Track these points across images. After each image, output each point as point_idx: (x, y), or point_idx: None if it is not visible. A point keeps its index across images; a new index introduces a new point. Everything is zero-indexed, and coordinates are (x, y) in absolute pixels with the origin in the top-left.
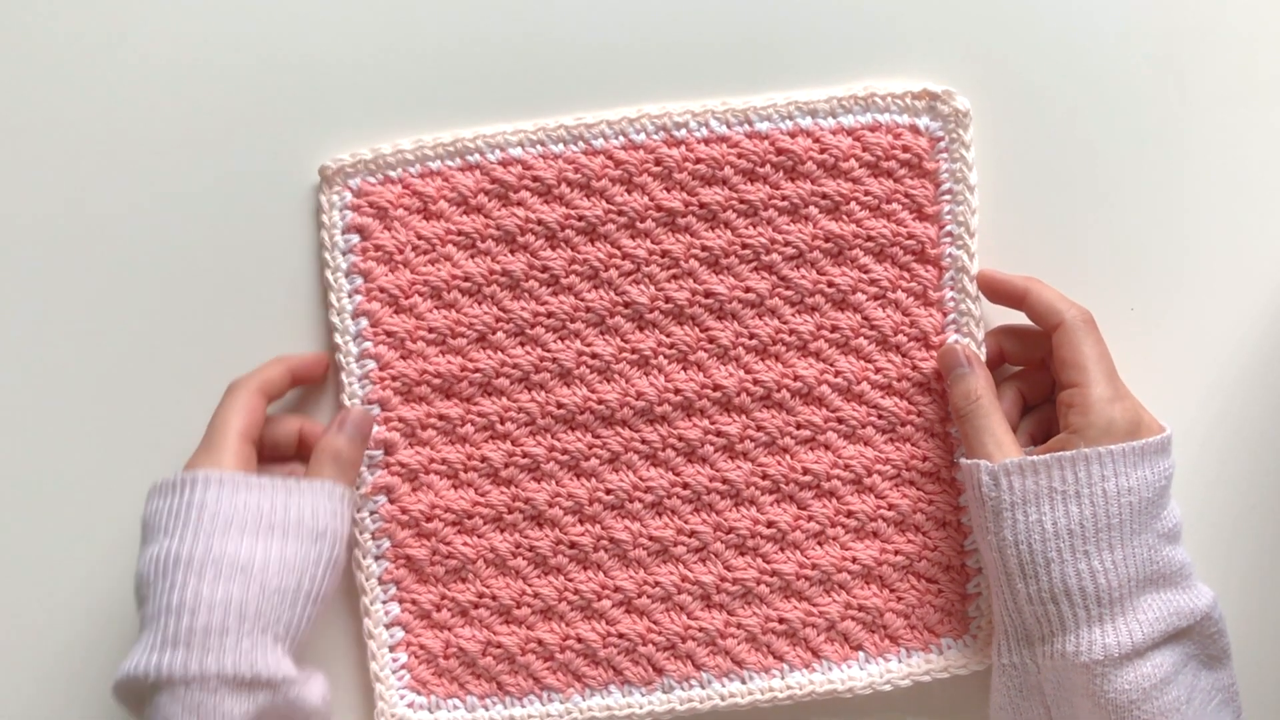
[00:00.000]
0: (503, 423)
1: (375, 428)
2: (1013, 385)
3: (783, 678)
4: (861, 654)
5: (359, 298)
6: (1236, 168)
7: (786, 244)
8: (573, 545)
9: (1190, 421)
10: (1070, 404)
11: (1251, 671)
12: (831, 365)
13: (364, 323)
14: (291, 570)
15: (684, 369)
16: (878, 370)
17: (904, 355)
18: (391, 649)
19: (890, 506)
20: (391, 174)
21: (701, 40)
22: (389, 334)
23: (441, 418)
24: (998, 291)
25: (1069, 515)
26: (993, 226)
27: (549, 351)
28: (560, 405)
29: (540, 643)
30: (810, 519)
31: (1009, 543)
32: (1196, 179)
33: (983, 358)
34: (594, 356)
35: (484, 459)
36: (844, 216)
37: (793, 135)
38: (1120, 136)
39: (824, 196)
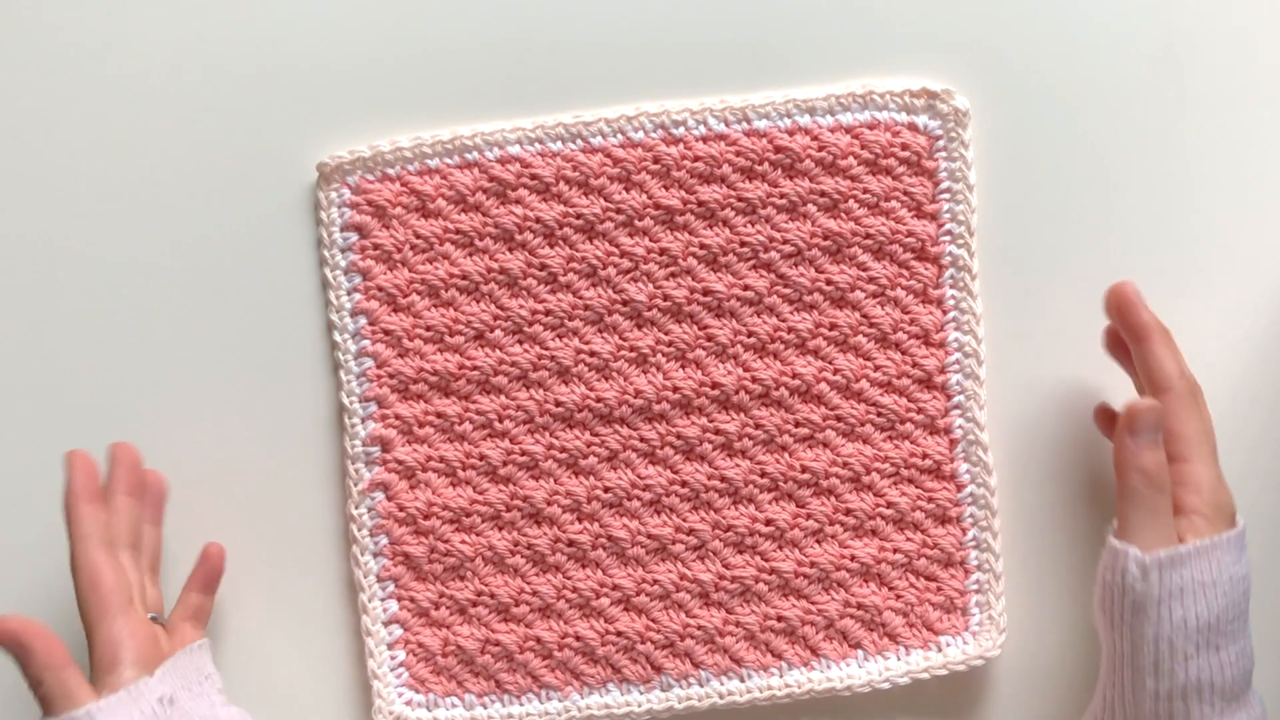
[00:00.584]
0: (501, 420)
1: (371, 425)
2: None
3: (781, 676)
4: (860, 652)
5: (357, 296)
6: (1236, 167)
7: (785, 242)
8: (571, 543)
9: None
10: (1183, 482)
11: (1254, 670)
12: (830, 363)
13: (362, 321)
14: None
15: (682, 367)
16: (877, 368)
17: (903, 353)
18: (389, 647)
19: (889, 504)
20: (390, 171)
21: (700, 38)
22: (387, 332)
23: (439, 415)
24: (1121, 313)
25: (1209, 608)
26: (992, 224)
27: (547, 349)
28: (559, 403)
29: (539, 641)
30: (809, 517)
31: (1148, 639)
32: (1196, 177)
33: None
34: (592, 354)
35: (482, 457)
36: (843, 214)
37: (791, 133)
38: (1120, 135)
39: (823, 194)
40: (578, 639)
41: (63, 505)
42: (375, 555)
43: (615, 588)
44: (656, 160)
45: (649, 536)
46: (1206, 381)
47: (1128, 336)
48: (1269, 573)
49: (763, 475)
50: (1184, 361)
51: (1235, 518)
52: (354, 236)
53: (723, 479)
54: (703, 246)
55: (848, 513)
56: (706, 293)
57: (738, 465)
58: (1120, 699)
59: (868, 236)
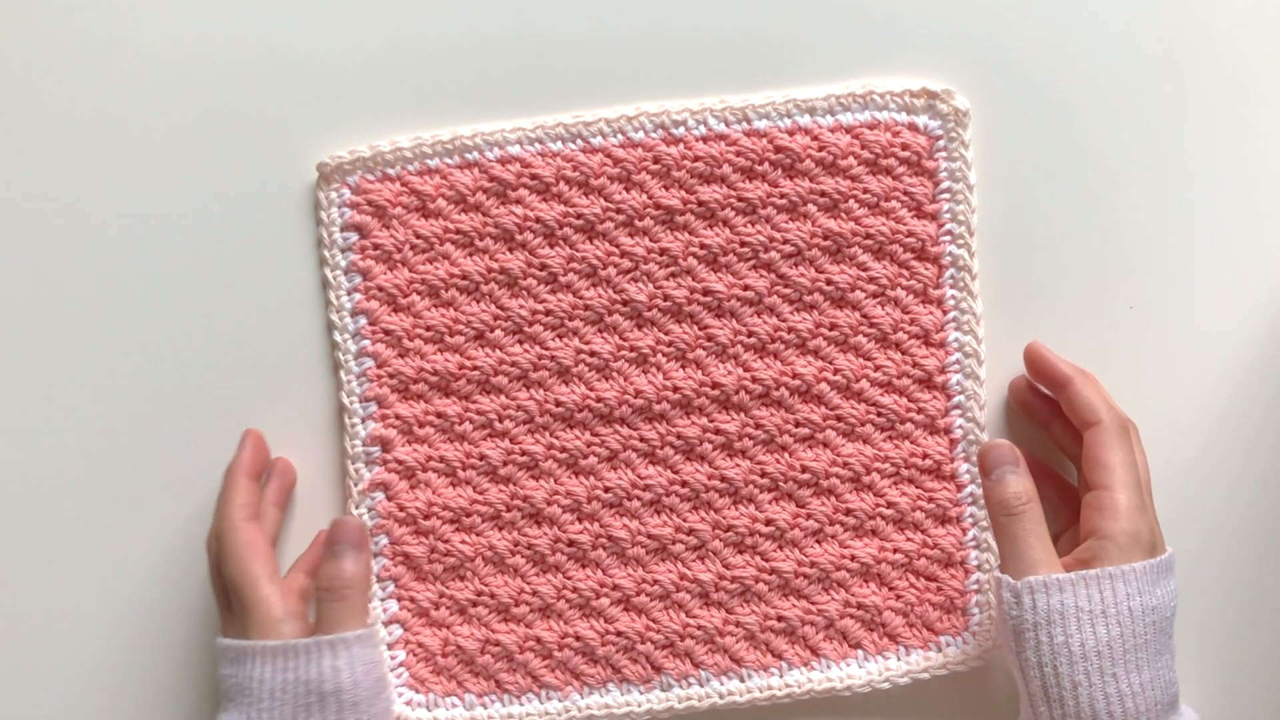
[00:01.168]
0: (501, 420)
1: (371, 425)
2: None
3: (781, 676)
4: (860, 652)
5: (357, 296)
6: (1236, 167)
7: (785, 242)
8: (571, 543)
9: (1190, 421)
10: (1098, 507)
11: (1253, 672)
12: (830, 363)
13: (362, 321)
14: None
15: (683, 367)
16: (877, 368)
17: (903, 353)
18: (389, 646)
19: (889, 504)
20: (390, 171)
21: (700, 38)
22: (387, 332)
23: (440, 415)
24: (1042, 372)
25: (1097, 636)
26: (992, 224)
27: (547, 349)
28: (559, 403)
29: (539, 641)
30: (809, 517)
31: (1032, 664)
32: (1196, 177)
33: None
34: (592, 354)
35: (482, 457)
36: (843, 214)
37: (791, 133)
38: (1120, 135)
39: (823, 194)
40: (578, 639)
41: (225, 475)
42: (375, 555)
43: (615, 588)
44: (656, 160)
45: (649, 536)
46: (1207, 381)
47: (1053, 389)
48: (1269, 573)
49: (763, 475)
50: (1110, 400)
51: (1155, 550)
52: (354, 236)
53: (723, 479)
54: (703, 246)
55: (848, 513)
56: (706, 293)
57: (738, 465)
58: None
59: (868, 236)
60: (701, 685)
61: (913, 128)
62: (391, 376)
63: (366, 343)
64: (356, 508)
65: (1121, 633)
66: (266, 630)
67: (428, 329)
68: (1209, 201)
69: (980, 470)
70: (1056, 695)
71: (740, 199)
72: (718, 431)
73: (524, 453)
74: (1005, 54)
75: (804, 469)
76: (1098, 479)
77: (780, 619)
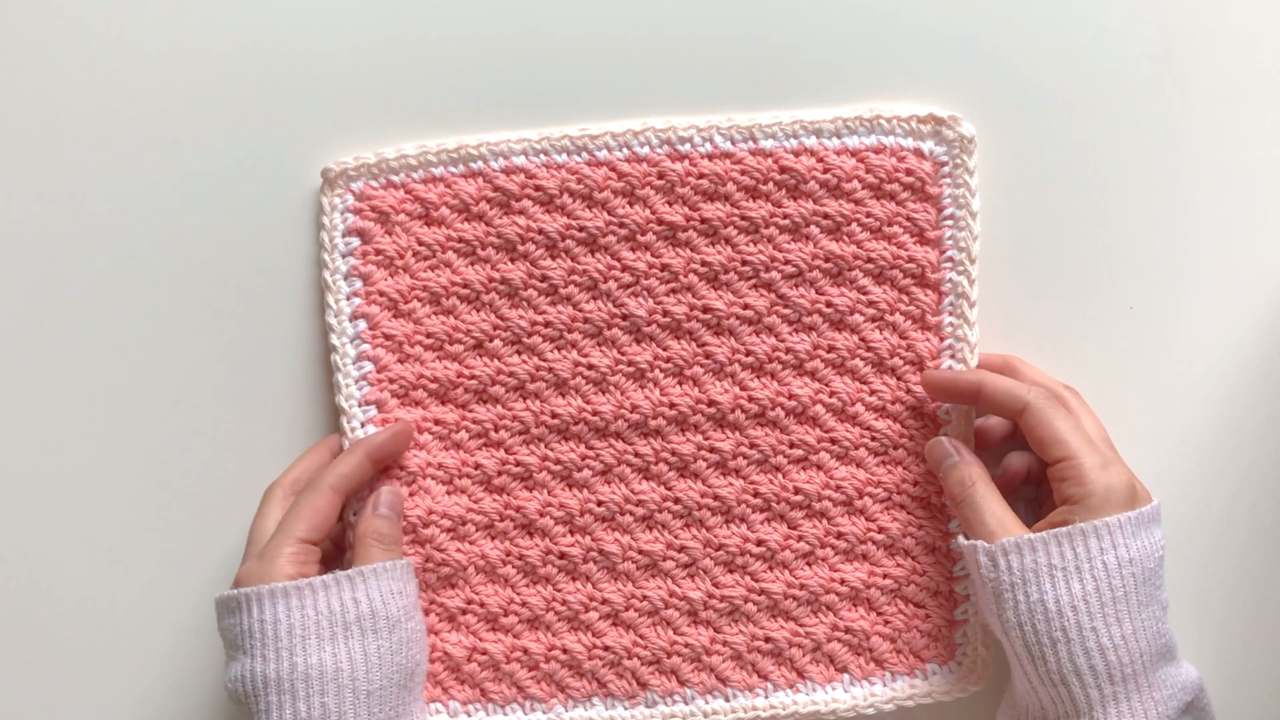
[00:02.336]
0: (497, 430)
1: (371, 429)
2: (1023, 455)
3: (766, 697)
4: (846, 676)
5: (358, 300)
6: (1241, 190)
7: (786, 262)
8: (562, 556)
9: (1190, 421)
10: (1063, 478)
11: (1255, 672)
12: (827, 385)
13: (362, 325)
14: (380, 666)
15: (679, 383)
16: (872, 392)
17: (899, 378)
18: None
19: (880, 529)
20: (394, 178)
21: (708, 56)
22: (387, 337)
23: (437, 422)
24: (948, 393)
25: (1071, 592)
26: (993, 252)
27: (545, 361)
28: (555, 415)
29: (526, 652)
30: (800, 539)
31: (1012, 624)
32: (1204, 206)
33: (972, 441)
34: (590, 368)
35: (477, 466)
36: (845, 237)
37: (797, 154)
38: (1126, 166)
39: (825, 216)
40: (565, 651)
41: (353, 444)
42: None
43: (604, 602)
44: (661, 176)
45: (640, 552)
46: (1207, 381)
47: (968, 402)
48: (1271, 573)
49: (755, 495)
50: (1034, 375)
51: (1134, 502)
52: (356, 241)
53: (715, 497)
54: (704, 264)
55: (839, 536)
56: (706, 310)
57: (731, 484)
58: (1024, 689)
59: (869, 261)
60: (686, 703)
61: (918, 153)
62: (391, 381)
63: (366, 347)
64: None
65: (1098, 587)
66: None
67: (428, 336)
68: (1208, 203)
69: (932, 469)
70: (1038, 653)
71: (743, 218)
72: (712, 449)
73: (519, 464)
74: (1011, 80)
75: (797, 490)
76: (1053, 454)
77: (768, 640)
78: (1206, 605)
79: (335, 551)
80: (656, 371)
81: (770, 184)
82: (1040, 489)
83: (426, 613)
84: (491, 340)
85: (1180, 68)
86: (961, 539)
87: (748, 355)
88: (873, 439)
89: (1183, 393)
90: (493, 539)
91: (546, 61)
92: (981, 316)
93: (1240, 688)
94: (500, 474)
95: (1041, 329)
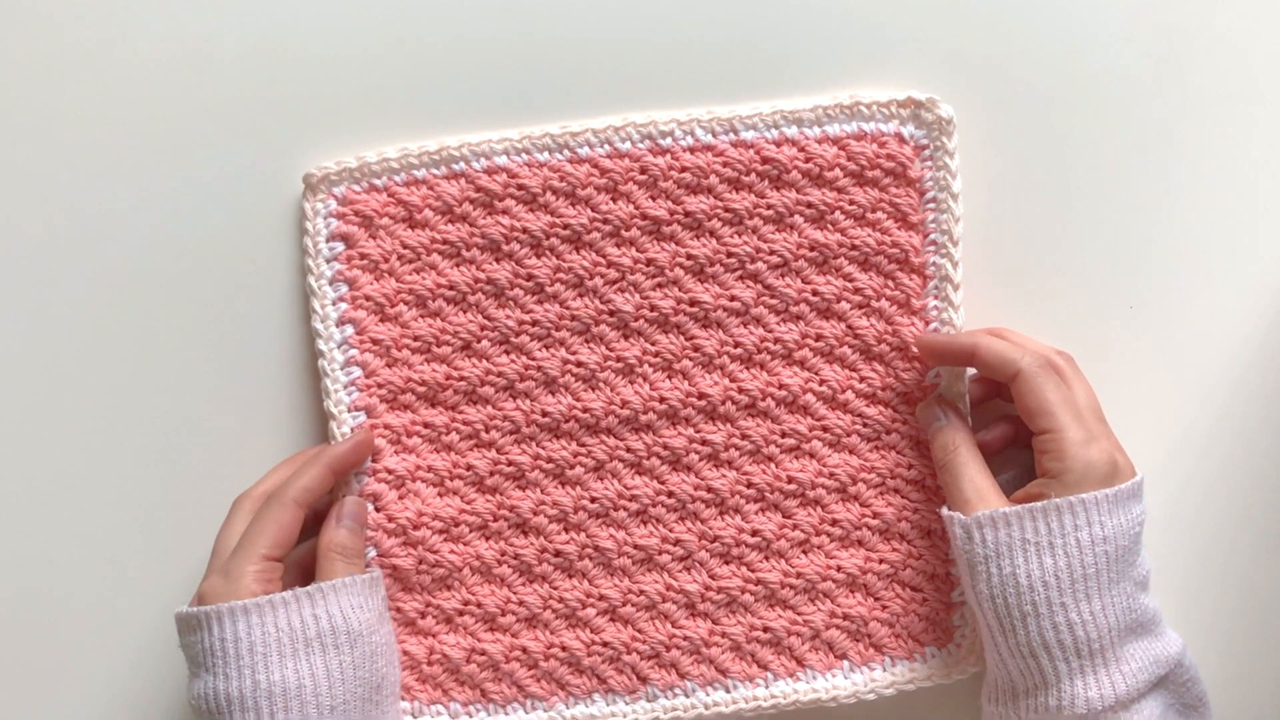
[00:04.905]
0: (488, 431)
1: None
2: (1005, 424)
3: (767, 687)
4: (846, 663)
5: (344, 305)
6: (1235, 167)
7: (771, 253)
8: (558, 553)
9: (1190, 421)
10: (1044, 450)
11: (1254, 672)
12: (816, 374)
13: (349, 330)
14: (343, 681)
15: (669, 377)
16: (862, 379)
17: (887, 364)
18: None
19: (875, 515)
20: (376, 182)
21: (687, 49)
22: (374, 342)
23: (427, 425)
24: (943, 355)
25: (1043, 567)
26: (976, 234)
27: (534, 360)
28: (545, 414)
29: (524, 650)
30: (795, 527)
31: (985, 596)
32: (1185, 184)
33: (967, 401)
34: (579, 365)
35: (469, 467)
36: (829, 225)
37: (778, 144)
38: (1106, 142)
39: (809, 205)
40: (564, 649)
41: (317, 454)
42: (365, 566)
43: (601, 598)
44: (644, 171)
45: (635, 547)
46: (1207, 381)
47: (961, 362)
48: (1270, 572)
49: (749, 486)
50: (1026, 343)
51: (1114, 477)
52: (340, 246)
53: (709, 489)
54: (690, 257)
55: (834, 523)
56: (693, 303)
57: (724, 476)
58: (992, 660)
59: (854, 248)
60: (687, 696)
61: (898, 137)
62: (380, 386)
63: (354, 352)
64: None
65: (1069, 563)
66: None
67: (415, 339)
68: (1199, 205)
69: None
70: (1009, 625)
71: (727, 210)
72: (704, 442)
73: (511, 463)
74: (990, 63)
75: (790, 479)
76: (1039, 425)
77: (766, 629)
78: (1206, 603)
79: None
80: (646, 366)
81: (753, 175)
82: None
83: (423, 615)
84: (479, 341)
85: (1167, 50)
86: (944, 509)
87: (736, 347)
88: (864, 425)
89: (1182, 392)
90: (487, 539)
91: (526, 60)
92: (975, 308)
93: (1240, 684)
94: (492, 474)
95: (1041, 329)
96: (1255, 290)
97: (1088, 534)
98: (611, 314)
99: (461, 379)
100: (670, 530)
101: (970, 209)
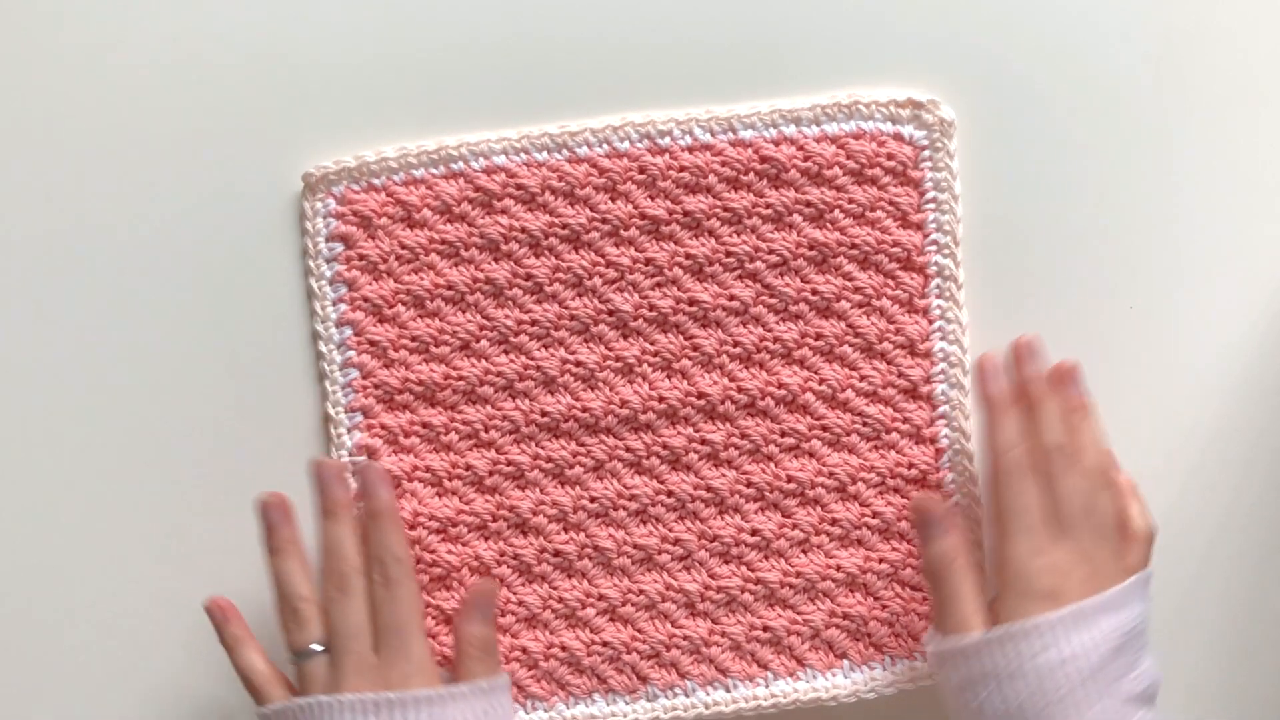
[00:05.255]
0: (487, 431)
1: (357, 435)
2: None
3: (767, 686)
4: (846, 662)
5: (343, 306)
6: (1227, 171)
7: (770, 252)
8: (557, 553)
9: (1191, 421)
10: (994, 559)
11: (1255, 672)
12: (816, 373)
13: (348, 331)
14: None
15: (668, 377)
16: (862, 378)
17: (889, 363)
18: None
19: (875, 514)
20: (375, 181)
21: (685, 49)
22: (372, 343)
23: (425, 425)
24: (978, 384)
25: (1006, 699)
26: (980, 234)
27: (533, 359)
28: (544, 413)
29: (524, 651)
30: (794, 527)
31: None
32: (1184, 183)
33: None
34: (578, 364)
35: (468, 467)
36: (828, 224)
37: (777, 143)
38: (1106, 141)
39: (808, 204)
40: (563, 649)
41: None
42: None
43: (601, 598)
44: (642, 170)
45: (635, 547)
46: (1207, 381)
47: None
48: (1272, 573)
49: (749, 485)
50: (1035, 426)
51: (1057, 596)
52: (339, 247)
53: (709, 489)
54: (688, 256)
55: (833, 522)
56: (692, 303)
57: (724, 475)
58: None
59: (853, 246)
60: (687, 695)
61: (898, 138)
62: (377, 387)
63: (352, 353)
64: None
65: (1030, 692)
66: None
67: (413, 339)
68: (1199, 205)
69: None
70: None
71: (726, 209)
72: (703, 441)
73: (510, 463)
74: (990, 63)
75: (790, 479)
76: (995, 529)
77: (766, 629)
78: (1205, 606)
79: None
80: (645, 366)
81: (751, 174)
82: None
83: (422, 616)
84: (478, 341)
85: (1166, 58)
86: (928, 634)
87: (735, 346)
88: (864, 424)
89: (1182, 392)
90: (486, 539)
91: (524, 60)
92: (975, 308)
93: (1240, 684)
94: (491, 474)
95: (1041, 330)
96: (1255, 290)
97: (1047, 658)
98: (610, 313)
99: (460, 379)
100: (670, 530)
101: (969, 208)
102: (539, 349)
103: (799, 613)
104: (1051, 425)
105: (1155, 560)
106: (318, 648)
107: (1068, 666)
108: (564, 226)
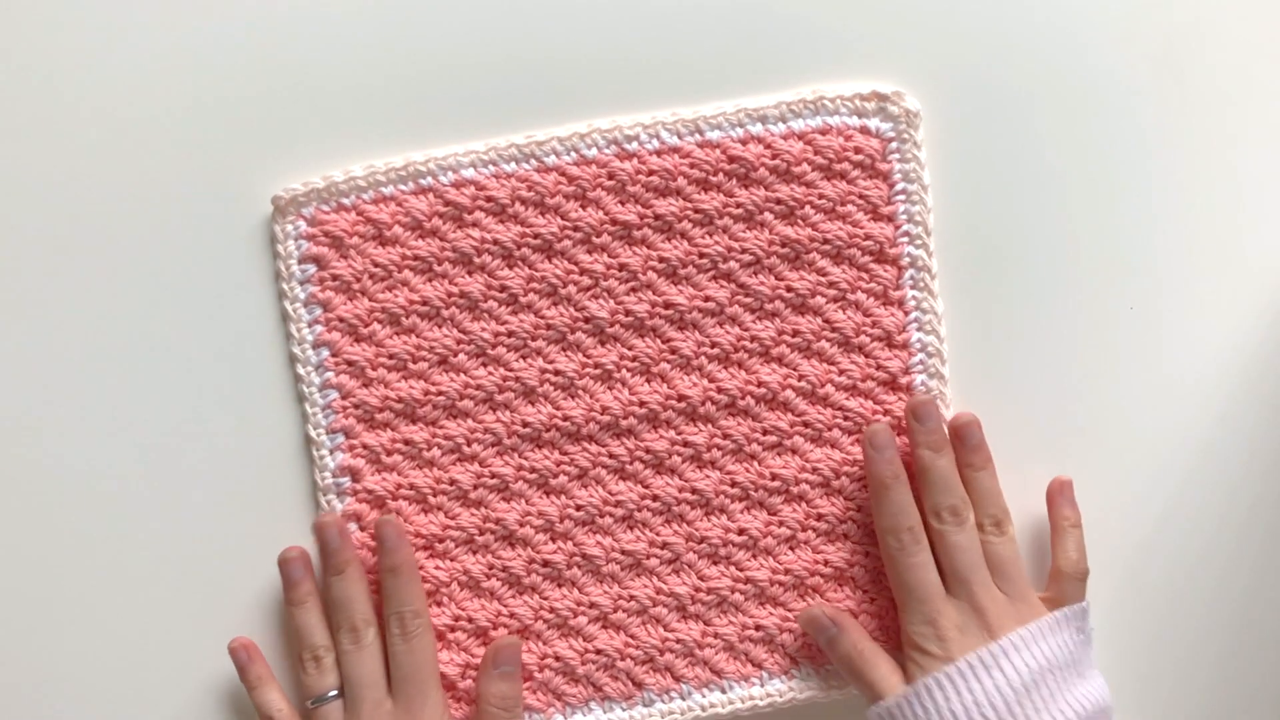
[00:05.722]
0: (469, 444)
1: (340, 455)
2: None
3: (762, 685)
4: None
5: (319, 328)
6: (1236, 166)
7: (743, 251)
8: (546, 564)
9: (1190, 421)
10: None
11: (1252, 674)
12: (795, 370)
13: (325, 353)
14: None
15: (647, 381)
16: (841, 372)
17: (867, 356)
18: None
19: (860, 508)
20: (345, 201)
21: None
22: (350, 363)
23: (407, 443)
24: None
25: None
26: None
27: (511, 371)
28: (526, 424)
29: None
30: (781, 524)
31: None
32: (1194, 177)
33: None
34: (557, 373)
35: (452, 481)
36: (799, 221)
37: (744, 142)
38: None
39: (778, 202)
40: (557, 659)
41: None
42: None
43: (592, 605)
44: (611, 176)
45: (623, 552)
46: (1207, 381)
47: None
48: (1270, 574)
49: (733, 485)
50: (905, 508)
51: (954, 654)
52: (312, 268)
53: (694, 491)
54: (662, 260)
55: (819, 518)
56: (668, 306)
57: (708, 476)
58: None
59: (825, 242)
60: (683, 699)
61: (865, 131)
62: (356, 407)
63: (330, 374)
64: None
65: None
66: None
67: (390, 357)
68: (1207, 200)
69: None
70: None
71: (696, 210)
72: (686, 444)
73: (494, 475)
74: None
75: (774, 476)
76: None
77: (758, 628)
78: (1204, 605)
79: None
80: (624, 371)
81: (720, 175)
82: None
83: None
84: (456, 355)
85: (1179, 64)
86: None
87: (713, 347)
88: (845, 418)
89: (1182, 392)
90: (474, 553)
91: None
92: (976, 308)
93: (1240, 684)
94: (476, 487)
95: (1042, 330)
96: (1255, 290)
97: (958, 704)
98: (587, 321)
99: (440, 394)
100: (657, 534)
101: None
102: (517, 360)
103: (790, 610)
104: (940, 488)
105: (1155, 560)
106: (334, 694)
107: (977, 713)
108: (536, 236)
